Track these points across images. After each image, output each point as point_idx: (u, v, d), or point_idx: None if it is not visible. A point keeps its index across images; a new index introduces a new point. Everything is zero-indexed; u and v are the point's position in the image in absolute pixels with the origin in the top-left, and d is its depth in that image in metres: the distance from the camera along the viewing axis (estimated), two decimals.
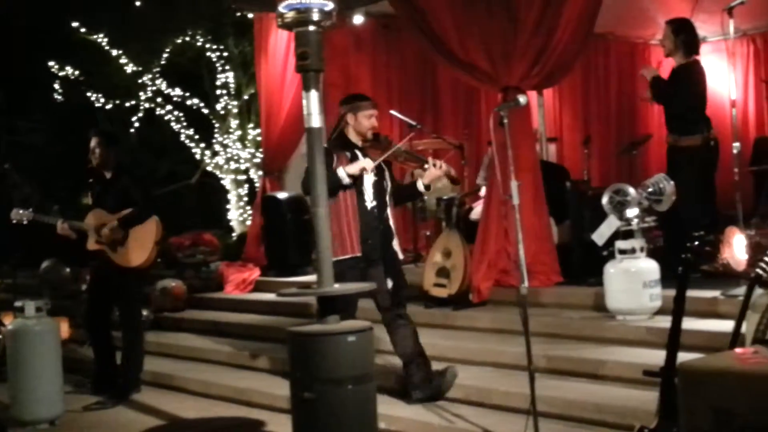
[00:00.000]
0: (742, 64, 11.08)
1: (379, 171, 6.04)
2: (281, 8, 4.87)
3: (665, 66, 8.90)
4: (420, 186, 6.07)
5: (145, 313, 8.72)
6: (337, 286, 5.04)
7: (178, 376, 7.76)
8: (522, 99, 5.29)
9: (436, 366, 6.15)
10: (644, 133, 10.45)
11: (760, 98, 10.86)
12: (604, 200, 6.61)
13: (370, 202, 5.99)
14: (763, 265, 3.53)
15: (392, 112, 10.10)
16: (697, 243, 3.55)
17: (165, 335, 9.05)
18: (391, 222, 6.12)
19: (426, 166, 6.09)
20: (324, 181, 5.02)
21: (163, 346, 8.66)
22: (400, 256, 6.24)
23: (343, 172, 5.80)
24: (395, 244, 6.12)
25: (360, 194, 5.96)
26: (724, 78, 9.42)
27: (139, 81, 14.65)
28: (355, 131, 6.05)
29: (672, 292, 3.68)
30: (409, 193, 6.40)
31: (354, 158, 5.95)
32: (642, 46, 11.77)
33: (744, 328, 3.77)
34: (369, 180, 5.98)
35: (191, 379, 7.64)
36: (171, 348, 8.64)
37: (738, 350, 2.73)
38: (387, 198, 6.10)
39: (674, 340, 3.42)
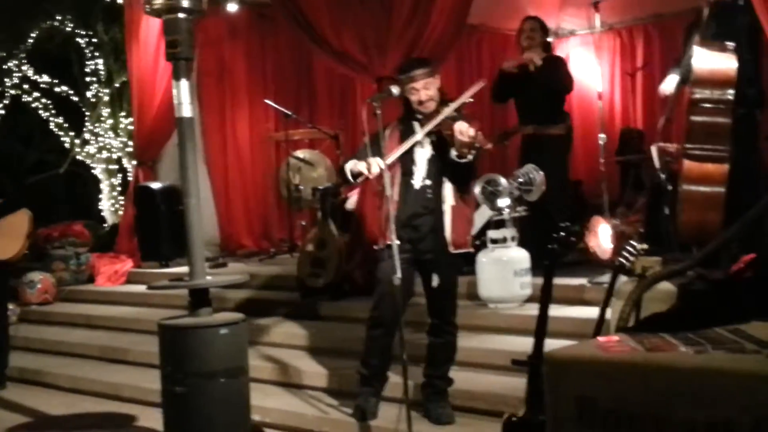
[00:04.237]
0: (609, 57, 11.35)
1: (440, 144, 5.20)
2: None
3: None
4: (453, 156, 5.07)
5: (11, 306, 8.43)
6: (209, 278, 4.99)
7: (46, 371, 7.54)
8: (395, 90, 5.23)
9: (305, 358, 6.10)
10: (515, 124, 10.62)
11: (626, 91, 11.15)
12: (477, 190, 6.69)
13: (420, 181, 5.24)
14: (626, 254, 3.62)
15: (267, 101, 10.04)
16: (562, 233, 3.62)
17: (33, 329, 8.76)
18: (447, 206, 5.24)
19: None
20: (195, 171, 4.95)
21: (31, 340, 8.39)
22: (451, 248, 5.26)
23: (347, 168, 5.25)
24: (448, 234, 5.24)
25: (407, 173, 5.25)
26: (591, 71, 9.65)
27: (4, 67, 14.16)
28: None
29: (542, 281, 3.75)
30: (453, 169, 5.21)
31: (407, 131, 5.26)
32: (514, 38, 11.95)
33: (608, 315, 3.88)
34: (422, 155, 5.25)
35: (60, 374, 7.43)
36: (39, 343, 8.37)
37: (601, 339, 2.79)
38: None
39: (541, 330, 3.49)
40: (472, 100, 5.27)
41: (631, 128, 10.58)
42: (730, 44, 5.04)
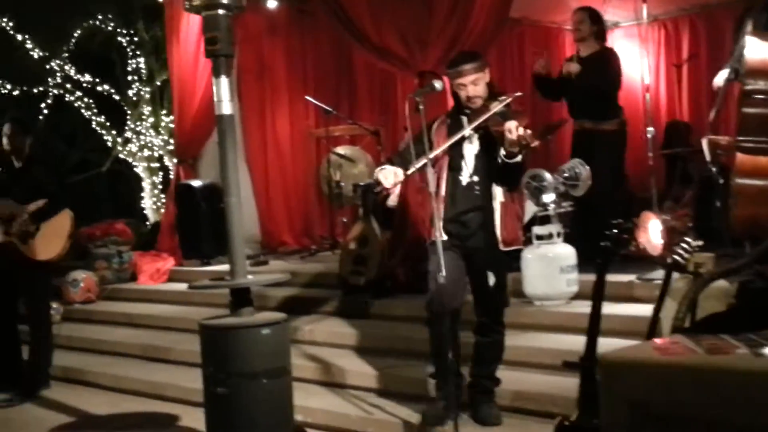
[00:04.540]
0: (654, 49, 11.18)
1: (489, 141, 5.05)
2: None
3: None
4: (502, 155, 4.91)
5: (54, 305, 8.47)
6: (250, 277, 4.93)
7: (89, 370, 7.54)
8: (438, 84, 5.14)
9: (347, 357, 6.03)
10: (559, 118, 10.48)
11: (672, 83, 10.97)
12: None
13: (468, 177, 5.09)
14: (680, 251, 3.49)
15: (307, 97, 9.98)
16: (615, 230, 3.51)
17: (76, 328, 8.78)
18: (497, 203, 5.09)
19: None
20: (236, 169, 4.90)
21: (74, 339, 8.40)
22: (502, 246, 5.11)
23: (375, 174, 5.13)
24: (498, 231, 5.09)
25: (455, 168, 5.12)
26: (636, 63, 9.49)
27: (47, 66, 14.27)
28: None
29: (588, 277, 3.65)
30: (501, 168, 5.02)
31: (455, 126, 5.12)
32: (556, 31, 11.80)
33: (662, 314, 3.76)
34: (470, 150, 5.11)
35: (103, 373, 7.43)
36: (82, 341, 8.38)
37: (657, 340, 2.68)
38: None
39: (593, 333, 3.38)
40: (521, 94, 5.14)
41: (678, 121, 10.40)
42: None
